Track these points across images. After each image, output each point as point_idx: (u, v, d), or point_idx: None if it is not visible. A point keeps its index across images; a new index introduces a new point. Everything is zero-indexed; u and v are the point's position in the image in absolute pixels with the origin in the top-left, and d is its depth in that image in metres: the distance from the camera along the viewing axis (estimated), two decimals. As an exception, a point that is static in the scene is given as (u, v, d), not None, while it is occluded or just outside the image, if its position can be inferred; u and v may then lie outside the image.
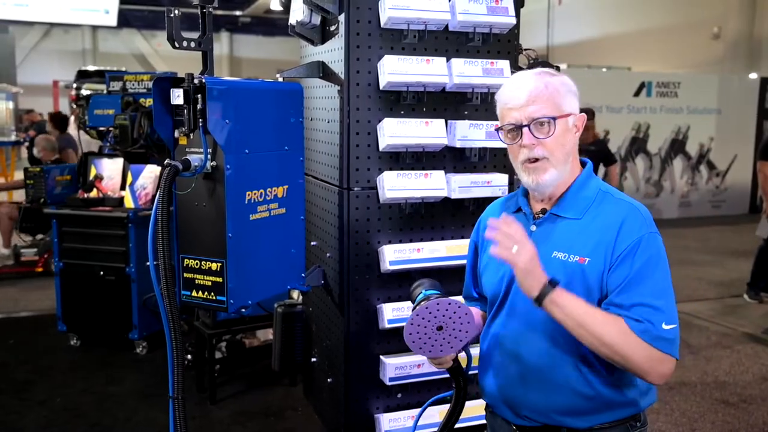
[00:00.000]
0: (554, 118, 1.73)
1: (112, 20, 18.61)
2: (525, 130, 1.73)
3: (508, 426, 1.89)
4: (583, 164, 1.85)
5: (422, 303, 1.81)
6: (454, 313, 1.79)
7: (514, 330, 1.83)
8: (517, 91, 1.76)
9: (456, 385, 2.03)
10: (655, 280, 1.68)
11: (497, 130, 1.82)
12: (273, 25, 26.06)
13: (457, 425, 2.66)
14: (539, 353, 1.78)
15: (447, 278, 2.70)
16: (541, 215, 1.81)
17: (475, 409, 2.75)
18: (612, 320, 1.65)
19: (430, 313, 1.78)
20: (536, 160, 1.75)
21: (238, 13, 25.94)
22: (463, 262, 2.67)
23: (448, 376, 2.65)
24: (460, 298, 1.95)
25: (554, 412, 1.77)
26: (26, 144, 13.37)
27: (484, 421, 2.25)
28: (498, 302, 1.87)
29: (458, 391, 2.04)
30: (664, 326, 1.65)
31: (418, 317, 1.78)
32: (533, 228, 1.81)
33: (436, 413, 2.68)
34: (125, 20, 23.95)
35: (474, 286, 2.07)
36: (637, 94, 11.77)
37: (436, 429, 2.66)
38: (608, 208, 1.75)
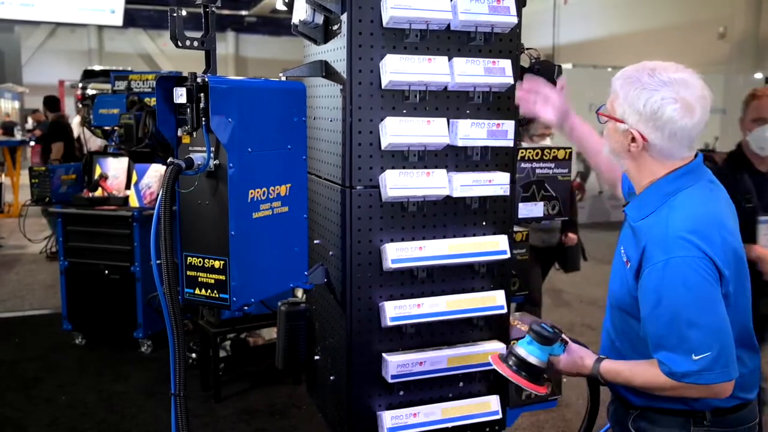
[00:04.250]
0: (598, 112, 2.00)
1: (118, 20, 18.64)
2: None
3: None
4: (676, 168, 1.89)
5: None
6: None
7: (608, 316, 2.09)
8: None
9: (591, 393, 2.20)
10: (668, 312, 1.73)
11: None
12: (279, 25, 26.10)
13: (472, 421, 2.71)
14: (616, 340, 2.03)
15: (449, 277, 2.71)
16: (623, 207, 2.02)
17: (485, 405, 2.76)
18: (650, 373, 1.82)
19: None
20: None
21: (244, 12, 25.98)
22: (465, 260, 2.69)
23: (450, 374, 2.69)
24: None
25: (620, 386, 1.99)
26: (32, 144, 13.44)
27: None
28: None
29: (593, 398, 2.20)
30: (693, 357, 1.71)
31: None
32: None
33: (439, 411, 2.69)
34: (131, 20, 24.00)
35: None
36: (642, 93, 11.72)
37: (439, 426, 2.68)
38: (657, 221, 1.82)
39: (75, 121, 12.39)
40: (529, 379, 1.98)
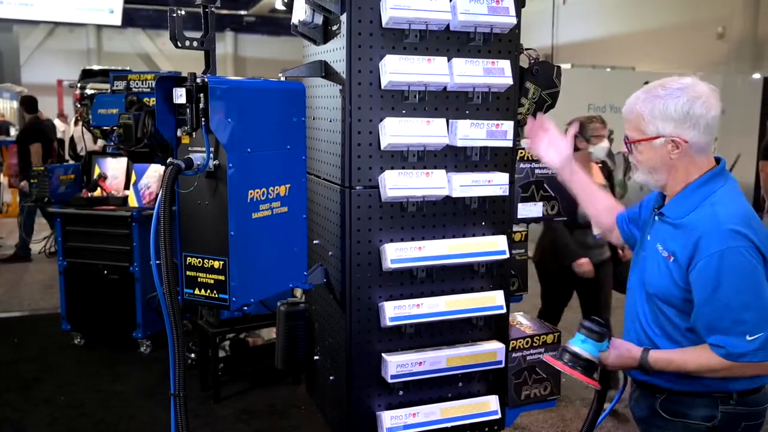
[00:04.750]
0: (627, 141, 2.07)
1: (117, 19, 18.62)
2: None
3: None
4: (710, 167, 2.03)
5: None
6: None
7: (630, 302, 2.20)
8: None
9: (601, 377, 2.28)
10: (725, 297, 1.87)
11: None
12: (278, 25, 26.04)
13: (471, 421, 2.73)
14: (649, 329, 2.11)
15: (448, 277, 2.71)
16: (658, 209, 2.11)
17: (484, 405, 2.76)
18: (703, 357, 1.94)
19: None
20: None
21: (242, 12, 25.94)
22: (465, 260, 2.69)
23: (449, 374, 2.69)
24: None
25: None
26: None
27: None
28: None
29: (601, 391, 2.28)
30: (748, 338, 1.86)
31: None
32: (656, 218, 2.11)
33: (438, 411, 2.69)
34: (130, 20, 23.93)
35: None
36: (641, 93, 11.70)
37: (439, 426, 2.68)
38: (704, 217, 1.94)
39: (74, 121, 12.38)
40: (586, 374, 2.08)
